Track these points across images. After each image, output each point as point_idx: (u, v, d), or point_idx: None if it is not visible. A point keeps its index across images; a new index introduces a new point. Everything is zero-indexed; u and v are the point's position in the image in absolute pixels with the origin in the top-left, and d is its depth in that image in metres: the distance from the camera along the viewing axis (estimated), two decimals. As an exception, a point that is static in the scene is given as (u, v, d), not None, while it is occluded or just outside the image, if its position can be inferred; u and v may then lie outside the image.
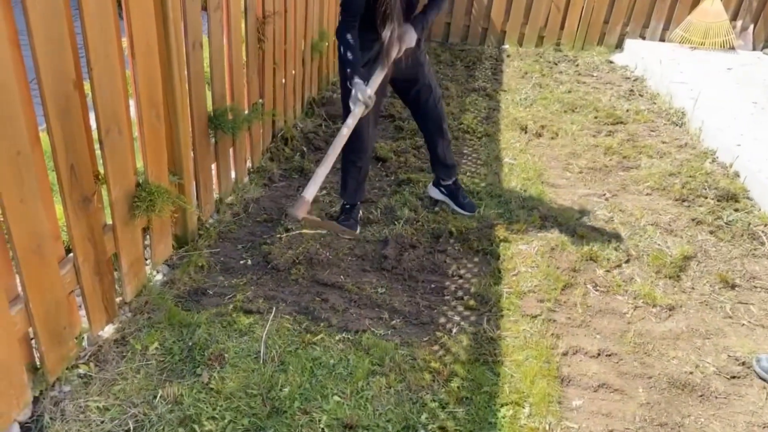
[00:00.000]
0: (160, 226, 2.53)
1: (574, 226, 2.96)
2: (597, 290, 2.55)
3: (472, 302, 2.45)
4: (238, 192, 3.25)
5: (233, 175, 3.26)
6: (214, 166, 3.02)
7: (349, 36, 2.33)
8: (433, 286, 2.58)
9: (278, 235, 2.91)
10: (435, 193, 3.22)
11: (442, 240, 2.88)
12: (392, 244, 2.80)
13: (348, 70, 2.35)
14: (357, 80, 2.34)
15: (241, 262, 2.74)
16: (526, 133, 4.10)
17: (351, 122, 2.39)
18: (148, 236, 2.55)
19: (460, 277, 2.63)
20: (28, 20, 1.59)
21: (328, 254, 2.78)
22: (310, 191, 2.46)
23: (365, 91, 2.35)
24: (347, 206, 3.02)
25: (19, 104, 1.60)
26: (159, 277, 2.58)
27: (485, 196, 3.27)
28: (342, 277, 2.63)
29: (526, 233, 2.93)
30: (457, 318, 2.35)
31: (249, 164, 3.50)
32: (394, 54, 2.46)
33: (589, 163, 3.73)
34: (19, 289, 1.79)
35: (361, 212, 3.07)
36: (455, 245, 2.84)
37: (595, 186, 3.47)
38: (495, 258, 2.73)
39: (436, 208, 3.09)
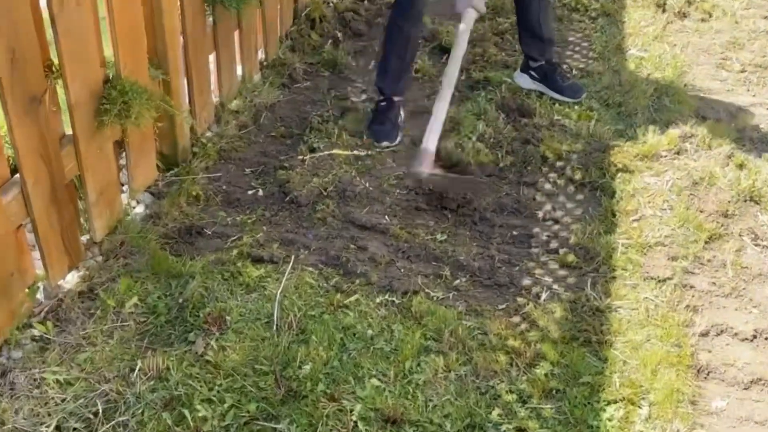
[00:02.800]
0: (140, 141, 2.53)
1: (730, 150, 2.78)
2: (757, 245, 2.42)
3: (571, 257, 2.37)
4: (247, 95, 3.21)
5: (239, 70, 3.22)
6: (212, 58, 2.98)
7: None
8: (515, 233, 2.50)
9: (300, 157, 2.88)
10: (524, 81, 3.22)
11: (531, 167, 2.77)
12: (458, 172, 2.73)
13: None
14: None
15: (250, 192, 2.74)
16: (664, 11, 3.85)
17: (464, 37, 2.69)
18: (124, 154, 2.56)
19: (556, 221, 2.54)
20: None
21: (367, 185, 2.73)
22: (432, 139, 2.62)
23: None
24: (382, 102, 3.02)
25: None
26: (140, 209, 2.61)
27: (598, 105, 3.10)
28: (387, 217, 2.59)
29: (657, 160, 2.78)
30: (548, 279, 2.30)
31: (261, 56, 3.44)
32: None
33: (756, 57, 3.51)
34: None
35: (402, 115, 3.04)
36: (550, 176, 2.74)
37: (764, 92, 3.26)
38: (608, 196, 2.62)
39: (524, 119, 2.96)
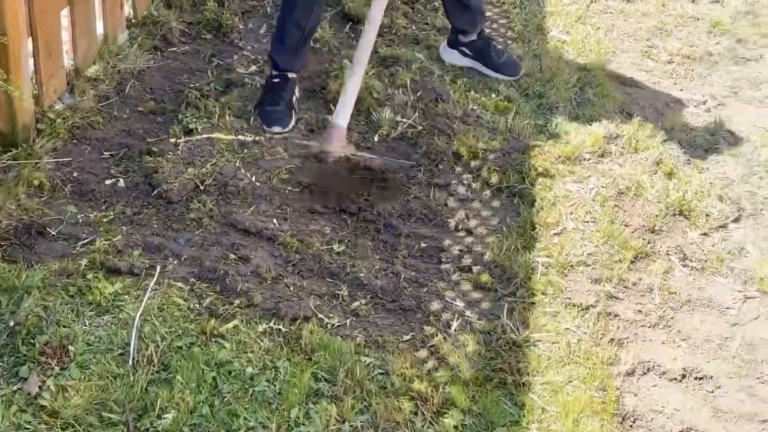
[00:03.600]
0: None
1: (658, 155, 2.67)
2: (686, 266, 2.31)
3: (485, 277, 2.18)
4: (109, 59, 2.83)
5: (100, 29, 2.81)
6: (66, 13, 2.57)
7: None
8: (424, 245, 2.29)
9: (173, 140, 2.54)
10: (453, 57, 3.06)
11: (443, 167, 2.55)
12: (361, 171, 2.50)
13: None
14: None
15: (108, 182, 2.41)
16: (587, -11, 3.68)
17: (377, 15, 2.52)
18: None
19: (469, 232, 2.35)
20: None
21: (254, 179, 2.44)
22: (344, 114, 2.50)
23: None
24: (276, 78, 2.76)
25: None
26: None
27: (517, 95, 2.91)
28: (275, 221, 2.32)
29: (580, 163, 2.63)
30: (460, 304, 2.10)
31: (129, 11, 3.04)
32: None
33: (684, 47, 3.42)
34: None
35: (298, 93, 2.79)
36: (464, 177, 2.54)
37: (691, 87, 3.18)
38: (527, 203, 2.44)
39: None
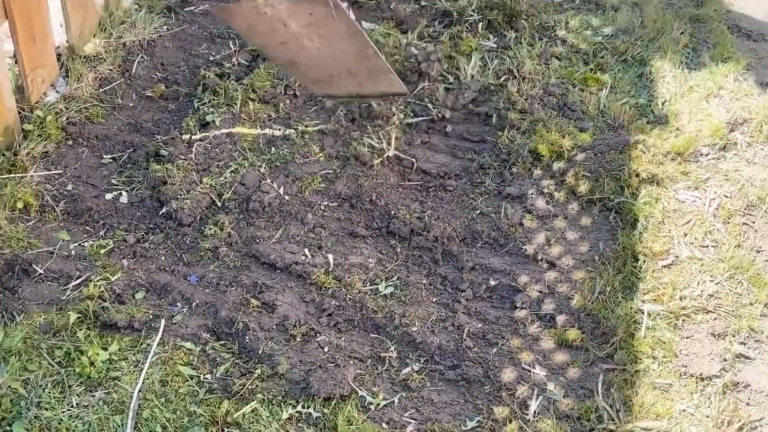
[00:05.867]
0: None
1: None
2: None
3: (573, 333, 1.72)
4: (113, 29, 2.35)
5: (100, -7, 2.33)
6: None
7: None
8: (493, 282, 1.83)
9: (186, 136, 2.13)
10: None
11: (517, 169, 2.02)
12: (412, 174, 2.03)
13: None
14: None
15: (108, 196, 2.05)
16: None
17: None
18: None
19: (551, 264, 1.87)
20: None
21: (282, 190, 2.01)
22: None
23: None
24: None
25: None
26: None
27: (613, 61, 2.34)
28: (307, 250, 1.89)
29: (696, 161, 2.10)
30: (540, 372, 1.67)
31: (136, -35, 2.53)
32: None
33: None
34: None
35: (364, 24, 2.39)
36: (543, 185, 2.01)
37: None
38: (627, 222, 1.94)
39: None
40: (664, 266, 1.83)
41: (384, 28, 2.44)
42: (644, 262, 1.84)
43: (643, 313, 1.74)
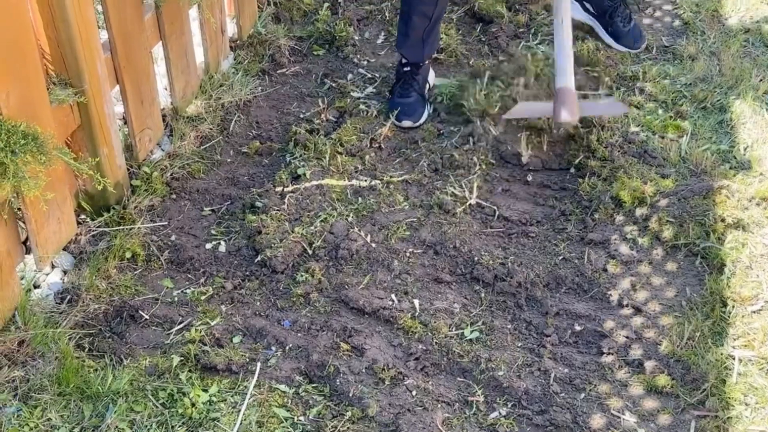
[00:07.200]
0: (52, 187, 1.82)
1: None
2: None
3: (663, 379, 1.66)
4: (212, 91, 2.47)
5: (200, 56, 2.44)
6: (158, 49, 2.21)
7: None
8: (578, 328, 1.78)
9: (279, 189, 2.18)
10: (574, 10, 2.57)
11: (599, 217, 1.99)
12: (497, 221, 1.98)
13: None
14: None
15: (209, 246, 2.09)
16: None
17: None
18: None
19: (638, 310, 1.82)
20: None
21: (369, 238, 2.02)
22: (567, 75, 2.09)
23: None
24: (405, 67, 2.46)
25: None
26: (54, 277, 1.97)
27: (692, 109, 2.29)
28: (394, 296, 1.89)
29: None
30: (630, 418, 1.61)
31: (233, 31, 2.66)
32: None
33: None
34: None
35: (432, 81, 2.51)
36: (627, 231, 1.97)
37: None
38: (714, 267, 1.88)
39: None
40: (754, 311, 1.75)
41: (456, 80, 2.49)
42: (733, 307, 1.76)
43: (733, 358, 1.66)
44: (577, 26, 2.49)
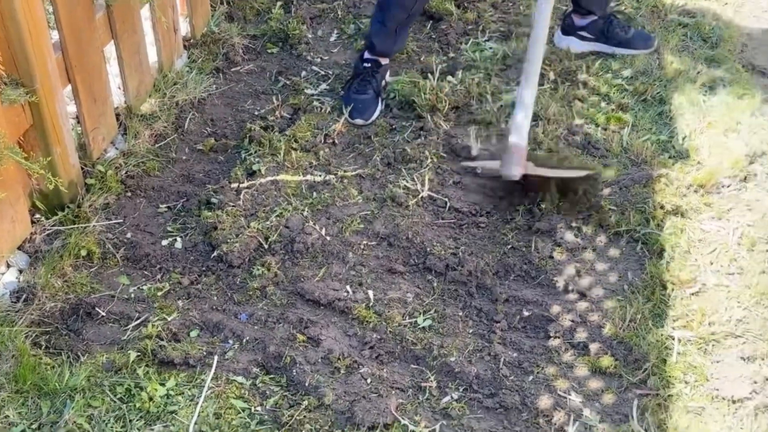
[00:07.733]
0: (4, 186, 1.80)
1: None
2: None
3: (606, 360, 1.71)
4: (166, 89, 2.45)
5: (153, 56, 2.43)
6: (111, 49, 2.20)
7: None
8: (526, 313, 1.83)
9: (234, 185, 2.18)
10: (572, 44, 2.63)
11: (545, 207, 2.03)
12: (447, 213, 2.03)
13: None
14: None
15: (164, 242, 2.09)
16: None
17: (547, 7, 2.03)
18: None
19: (582, 295, 1.86)
20: None
21: (324, 231, 2.04)
22: (521, 132, 2.03)
23: None
24: (367, 62, 2.47)
25: None
26: (9, 277, 1.98)
27: (632, 101, 2.36)
28: (349, 287, 1.91)
29: (718, 192, 2.10)
30: (575, 398, 1.66)
31: (186, 30, 2.64)
32: None
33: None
34: None
35: (387, 79, 2.52)
36: (572, 220, 2.00)
37: None
38: (654, 252, 1.94)
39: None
40: (692, 294, 1.82)
41: (408, 76, 2.51)
42: (672, 290, 1.83)
43: (673, 339, 1.73)
44: (580, 57, 2.57)
